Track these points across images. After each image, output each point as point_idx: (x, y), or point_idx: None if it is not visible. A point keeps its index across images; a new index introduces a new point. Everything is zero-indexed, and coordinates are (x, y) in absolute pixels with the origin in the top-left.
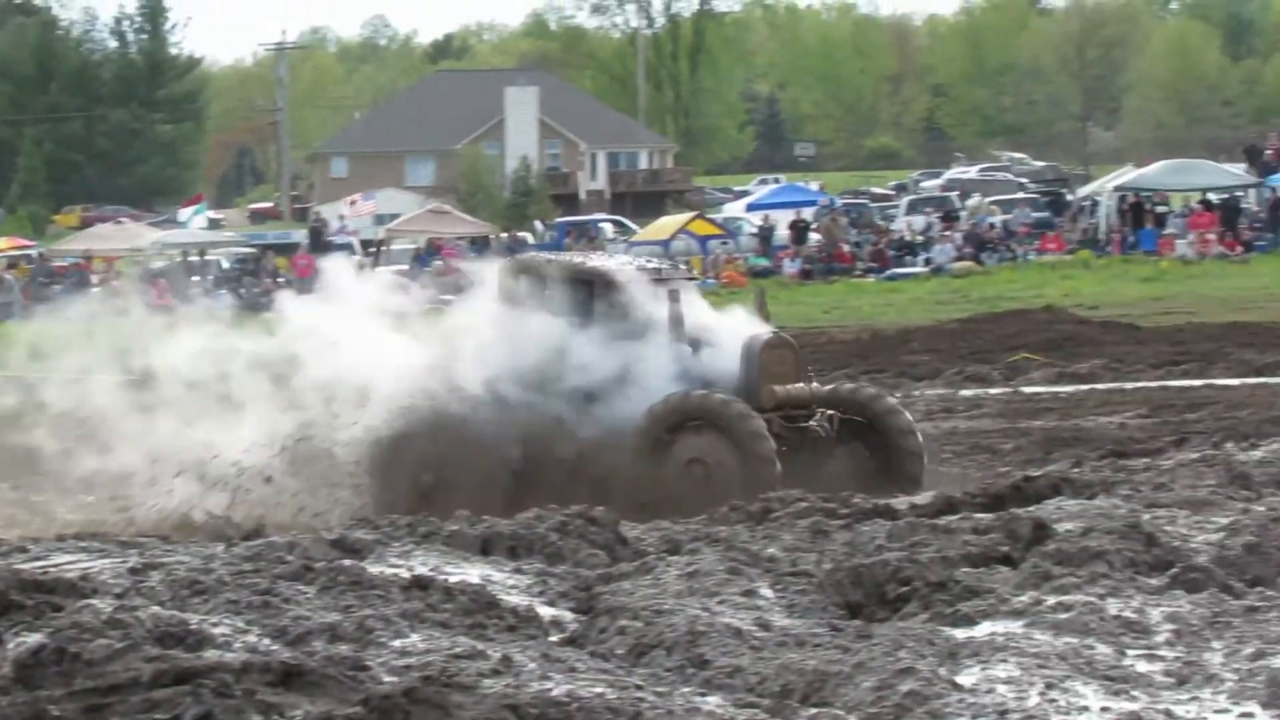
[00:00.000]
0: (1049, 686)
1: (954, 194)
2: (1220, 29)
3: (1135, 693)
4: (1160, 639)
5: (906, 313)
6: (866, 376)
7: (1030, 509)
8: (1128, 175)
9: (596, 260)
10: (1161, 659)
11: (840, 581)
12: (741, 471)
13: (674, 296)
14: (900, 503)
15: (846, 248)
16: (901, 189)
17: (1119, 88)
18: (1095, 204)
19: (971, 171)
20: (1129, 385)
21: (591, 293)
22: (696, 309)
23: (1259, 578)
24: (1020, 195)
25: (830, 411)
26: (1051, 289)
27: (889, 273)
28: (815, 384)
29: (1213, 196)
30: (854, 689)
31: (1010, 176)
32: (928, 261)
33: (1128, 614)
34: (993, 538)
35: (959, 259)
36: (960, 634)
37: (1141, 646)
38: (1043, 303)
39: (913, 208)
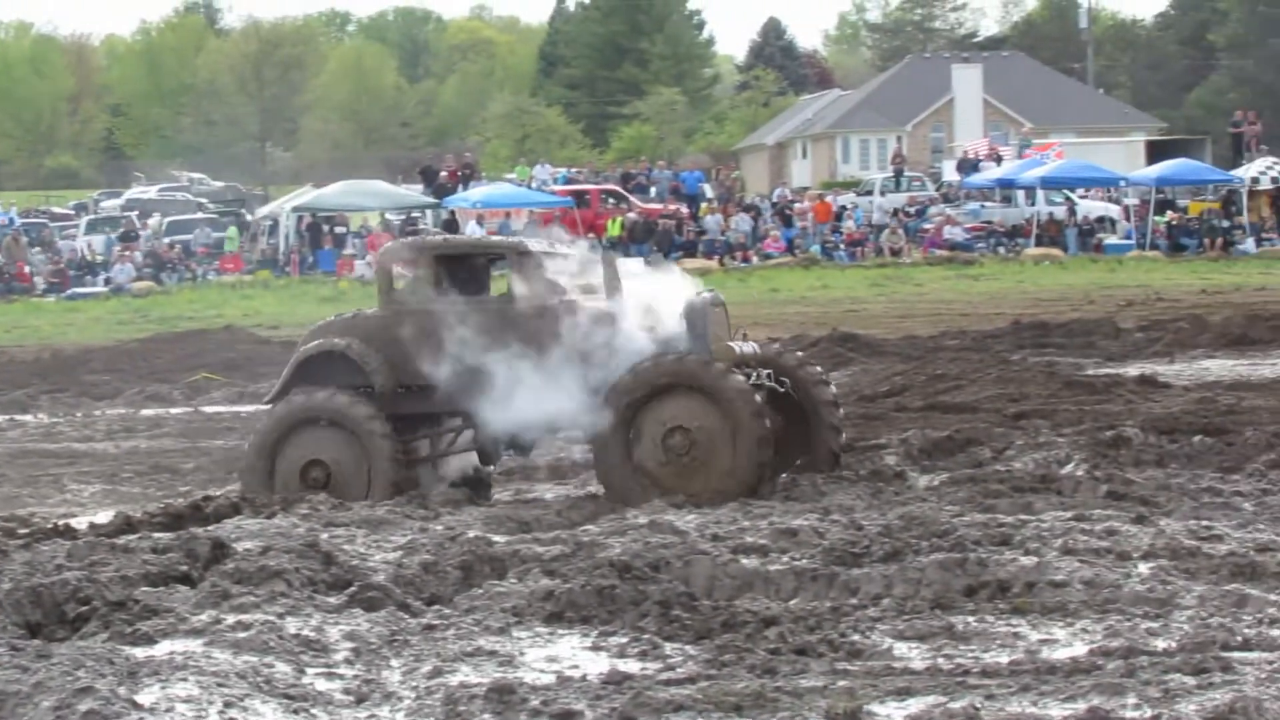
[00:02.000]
0: (228, 705)
1: (134, 214)
2: (397, 51)
3: (314, 710)
4: (339, 657)
5: (87, 332)
6: (48, 396)
7: (210, 528)
8: (306, 196)
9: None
10: (340, 677)
11: (19, 601)
12: (733, 439)
13: (609, 261)
14: (80, 522)
15: (27, 267)
16: (81, 209)
17: (297, 109)
18: (274, 224)
19: (151, 191)
20: None
21: (508, 267)
22: (625, 274)
23: (436, 596)
24: (200, 215)
25: (769, 370)
26: (232, 309)
27: (69, 292)
28: (748, 340)
29: (391, 217)
30: (33, 709)
31: (190, 196)
32: (108, 281)
33: (307, 632)
34: (172, 557)
35: (139, 279)
36: (140, 653)
37: (321, 664)
38: (223, 323)
39: (92, 227)
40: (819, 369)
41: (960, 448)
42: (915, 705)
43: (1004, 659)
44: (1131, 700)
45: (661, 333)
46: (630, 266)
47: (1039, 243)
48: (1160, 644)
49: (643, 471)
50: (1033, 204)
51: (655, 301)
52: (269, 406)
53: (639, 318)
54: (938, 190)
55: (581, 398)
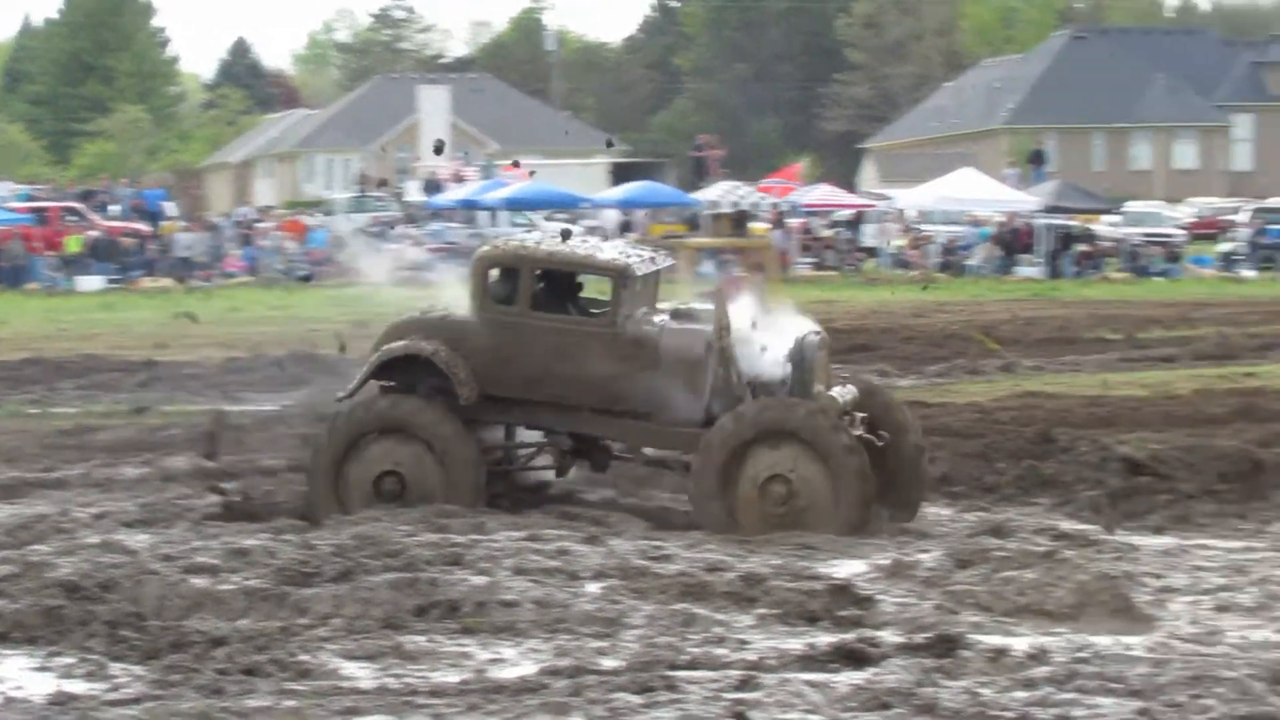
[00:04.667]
0: None
1: None
2: None
3: None
4: None
5: None
6: None
7: None
8: None
9: (607, 249)
10: None
11: None
12: (835, 496)
13: (718, 295)
14: None
15: None
16: None
17: None
18: None
19: None
20: None
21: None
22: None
23: None
24: None
25: (863, 415)
26: None
27: None
28: (847, 384)
29: None
30: None
31: None
32: None
33: None
34: None
35: None
36: None
37: None
38: None
39: None
40: (907, 412)
41: None
42: None
43: (453, 678)
44: (578, 719)
45: (763, 372)
46: (742, 300)
47: None
48: (608, 663)
49: (737, 515)
50: (495, 225)
51: (760, 338)
52: (340, 402)
53: (742, 354)
54: (402, 210)
55: (674, 427)
